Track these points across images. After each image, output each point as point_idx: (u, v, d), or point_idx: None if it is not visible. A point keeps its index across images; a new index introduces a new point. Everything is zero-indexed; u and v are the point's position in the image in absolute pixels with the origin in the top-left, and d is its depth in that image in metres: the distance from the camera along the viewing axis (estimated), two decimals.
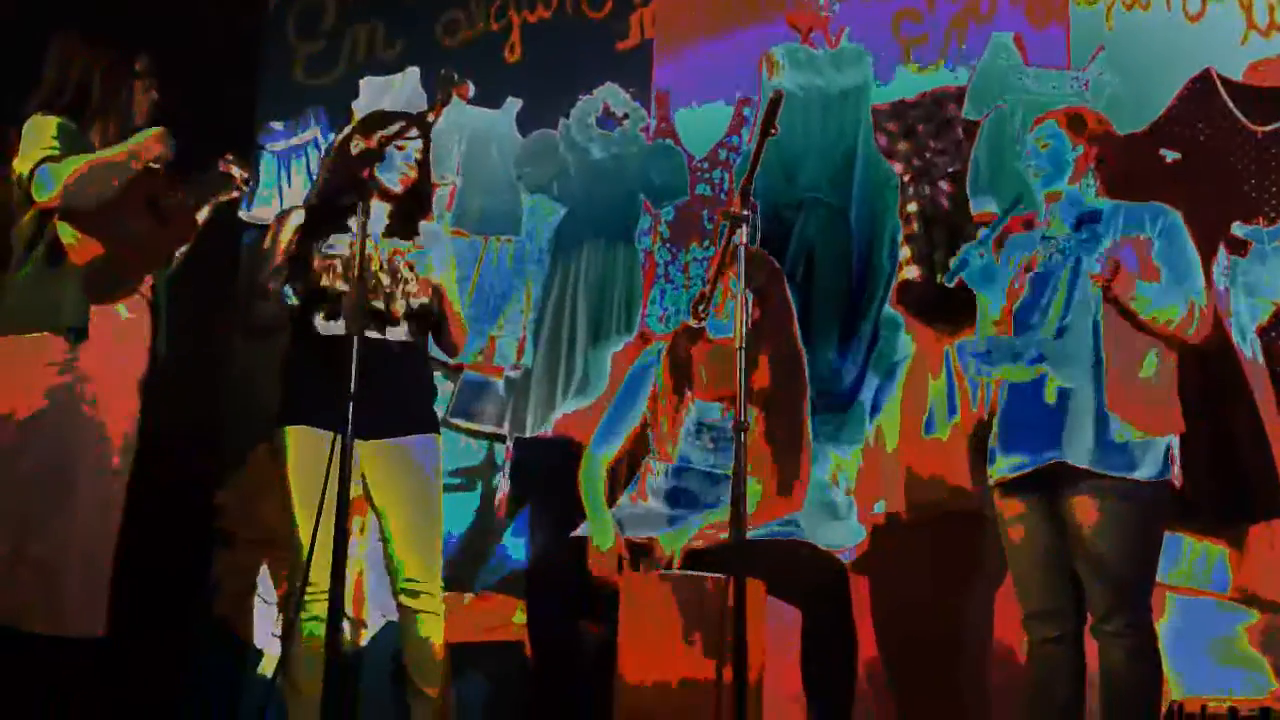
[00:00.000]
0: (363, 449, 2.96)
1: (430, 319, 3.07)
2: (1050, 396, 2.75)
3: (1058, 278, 2.82)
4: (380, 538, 3.09)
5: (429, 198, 3.23)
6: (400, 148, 3.04)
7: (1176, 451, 2.75)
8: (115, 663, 3.00)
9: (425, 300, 2.99)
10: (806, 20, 3.84)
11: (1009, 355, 2.81)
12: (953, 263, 2.93)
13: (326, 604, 2.93)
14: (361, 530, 3.49)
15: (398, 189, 3.08)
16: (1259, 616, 3.27)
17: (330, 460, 2.45)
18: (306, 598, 2.88)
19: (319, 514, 2.45)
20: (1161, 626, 2.76)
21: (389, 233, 3.06)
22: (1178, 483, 2.75)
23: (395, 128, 2.84)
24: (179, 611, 3.77)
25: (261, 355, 3.88)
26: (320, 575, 2.84)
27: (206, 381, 3.96)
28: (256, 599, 3.74)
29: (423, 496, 3.05)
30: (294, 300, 2.99)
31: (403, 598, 3.03)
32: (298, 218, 3.06)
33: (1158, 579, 3.16)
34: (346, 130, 3.10)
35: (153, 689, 3.74)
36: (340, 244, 2.95)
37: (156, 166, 2.94)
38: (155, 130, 2.93)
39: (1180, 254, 2.80)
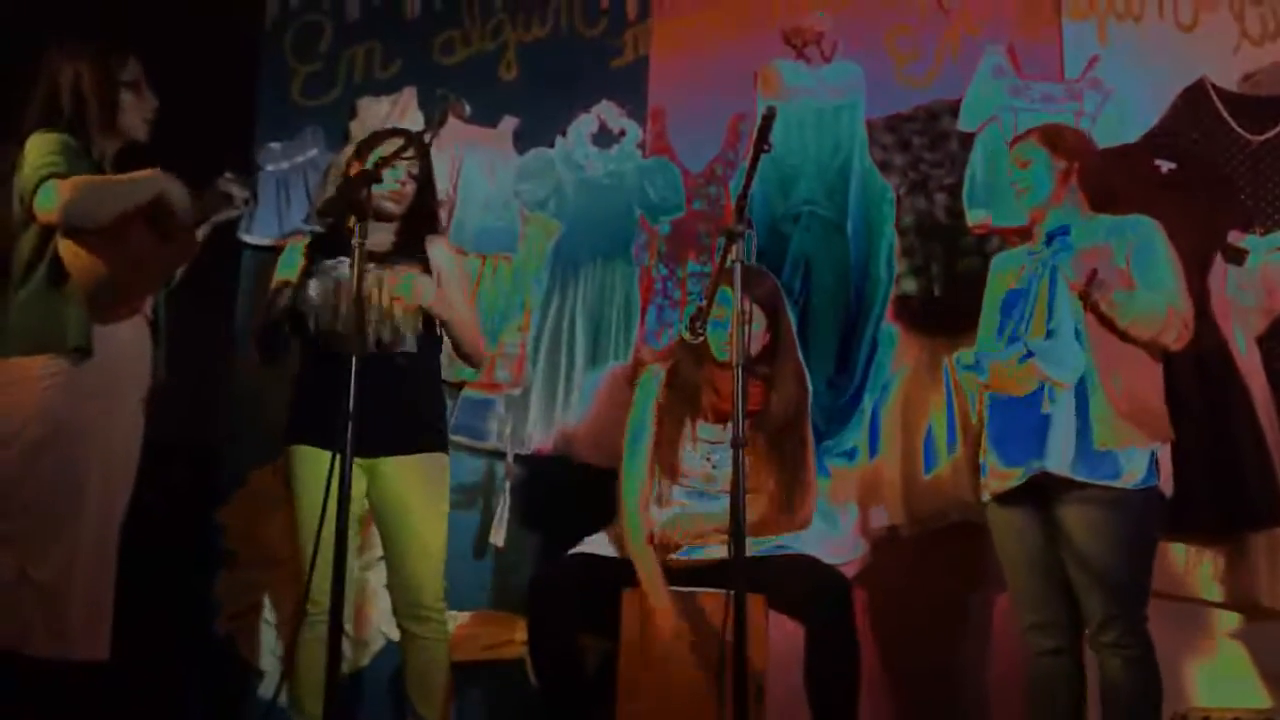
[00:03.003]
0: (367, 467, 2.96)
1: (438, 336, 3.07)
2: (1044, 405, 2.76)
3: (1035, 289, 2.83)
4: (386, 560, 3.08)
5: (435, 214, 3.21)
6: (391, 167, 3.04)
7: (1165, 459, 2.75)
8: (118, 686, 2.99)
9: (413, 328, 2.98)
10: (800, 36, 3.86)
11: (996, 357, 2.83)
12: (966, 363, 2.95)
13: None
14: (362, 549, 3.48)
15: (391, 208, 3.07)
16: (1261, 626, 3.27)
17: (330, 479, 2.44)
18: (310, 619, 2.87)
19: (319, 534, 2.44)
20: (1164, 637, 2.76)
21: (394, 251, 3.04)
22: (1167, 490, 2.75)
23: (393, 148, 2.81)
24: (181, 633, 3.76)
25: (262, 374, 3.90)
26: (323, 596, 2.83)
27: (206, 400, 3.97)
28: (259, 619, 3.73)
29: (429, 517, 3.02)
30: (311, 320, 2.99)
31: (407, 623, 3.02)
32: (296, 248, 3.08)
33: (1160, 589, 3.17)
34: (347, 152, 3.11)
35: (156, 711, 3.73)
36: (341, 265, 2.95)
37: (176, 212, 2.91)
38: (168, 179, 2.91)
39: (1157, 262, 2.80)
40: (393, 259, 3.02)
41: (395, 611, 3.06)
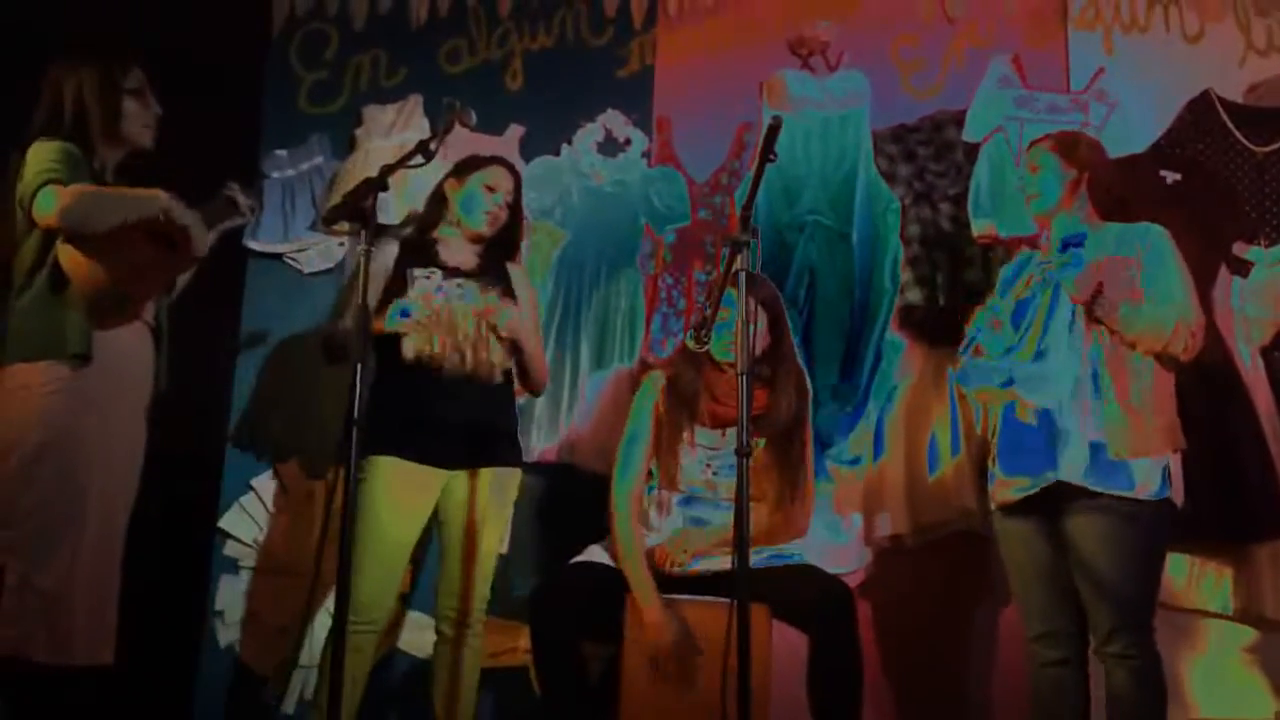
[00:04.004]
0: (443, 480, 3.01)
1: (515, 358, 3.11)
2: (1026, 418, 2.76)
3: (1038, 301, 2.83)
4: (442, 566, 3.07)
5: (517, 243, 3.25)
6: (491, 188, 3.11)
7: (1177, 470, 2.75)
8: (122, 692, 2.99)
9: (503, 358, 3.03)
10: (806, 45, 3.87)
11: (981, 377, 2.83)
12: (968, 335, 2.94)
13: (373, 638, 2.93)
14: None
15: (485, 230, 3.12)
16: (1266, 637, 3.27)
17: (335, 485, 2.43)
18: (352, 628, 2.79)
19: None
20: (1169, 648, 2.75)
21: (479, 271, 3.09)
22: (1178, 502, 2.74)
23: (404, 157, 2.80)
24: (184, 639, 3.76)
25: (266, 382, 3.91)
26: (364, 609, 2.85)
27: (210, 408, 3.97)
28: (262, 626, 3.73)
29: (495, 526, 3.07)
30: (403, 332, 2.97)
31: (447, 627, 3.02)
32: (386, 256, 3.09)
33: (1165, 600, 3.16)
34: (444, 173, 3.17)
35: (159, 718, 3.74)
36: (434, 277, 2.99)
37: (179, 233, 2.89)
38: (170, 200, 2.89)
39: (1167, 273, 2.79)
40: (478, 279, 3.07)
41: (437, 616, 3.06)
